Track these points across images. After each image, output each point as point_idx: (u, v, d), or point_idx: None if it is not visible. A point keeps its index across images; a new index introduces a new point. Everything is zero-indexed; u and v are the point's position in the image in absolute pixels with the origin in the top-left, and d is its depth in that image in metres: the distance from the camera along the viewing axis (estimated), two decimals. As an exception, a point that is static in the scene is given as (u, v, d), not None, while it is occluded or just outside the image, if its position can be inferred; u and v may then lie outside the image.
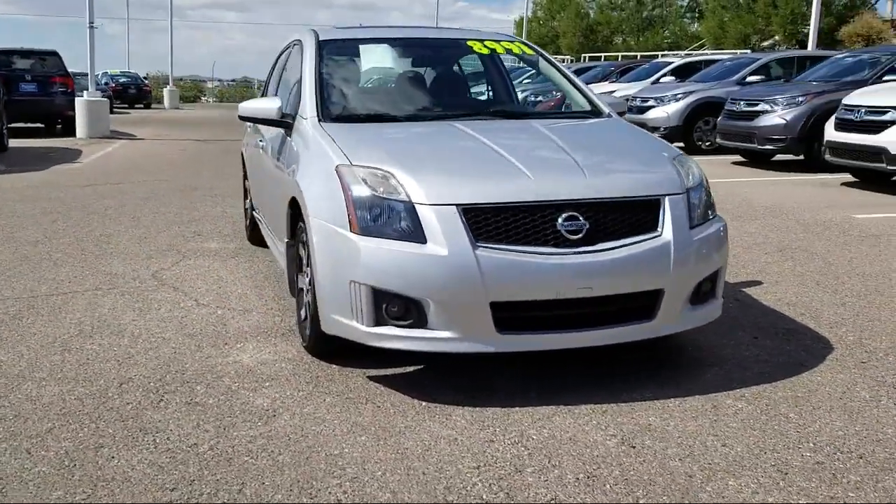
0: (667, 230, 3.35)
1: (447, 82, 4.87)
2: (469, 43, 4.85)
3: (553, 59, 4.99)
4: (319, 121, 3.98)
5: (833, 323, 4.33)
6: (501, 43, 4.91)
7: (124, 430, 2.98)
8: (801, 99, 11.51)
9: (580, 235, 3.20)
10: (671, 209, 3.38)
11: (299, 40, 4.95)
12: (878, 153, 9.06)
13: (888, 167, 9.04)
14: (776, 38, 29.32)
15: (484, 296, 3.09)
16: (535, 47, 4.99)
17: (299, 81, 4.41)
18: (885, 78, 11.48)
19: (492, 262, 3.09)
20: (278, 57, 5.93)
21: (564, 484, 2.60)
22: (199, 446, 2.85)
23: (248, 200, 6.32)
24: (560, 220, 3.20)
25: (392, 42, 4.72)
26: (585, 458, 2.77)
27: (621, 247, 3.25)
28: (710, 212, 3.63)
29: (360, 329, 3.24)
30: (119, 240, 6.42)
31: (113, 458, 2.76)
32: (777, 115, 11.58)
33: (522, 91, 12.07)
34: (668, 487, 2.58)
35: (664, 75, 17.49)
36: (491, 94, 5.43)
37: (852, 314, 4.50)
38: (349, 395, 3.32)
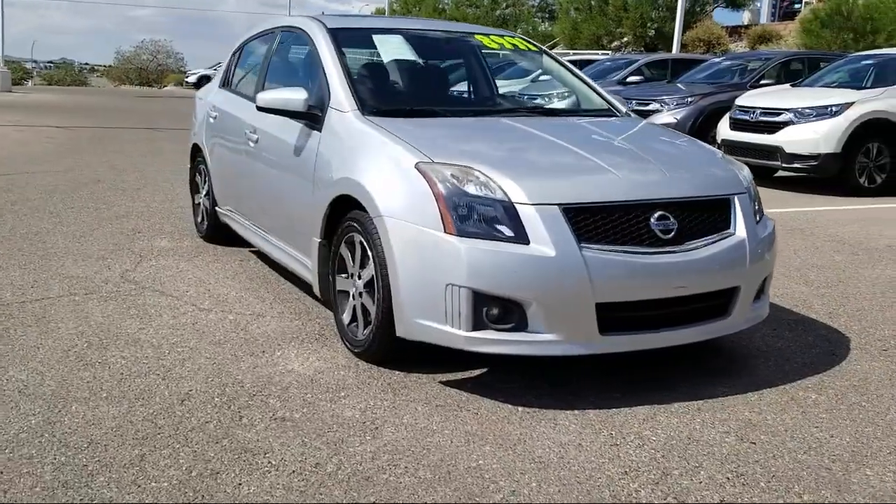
0: (739, 228, 3.44)
1: (472, 76, 4.75)
2: (478, 37, 4.75)
3: (557, 56, 4.98)
4: (363, 114, 3.77)
5: (829, 314, 4.61)
6: (506, 38, 4.85)
7: (227, 452, 2.70)
8: (690, 99, 12.16)
9: (671, 235, 3.23)
10: (741, 207, 3.48)
11: (297, 27, 4.67)
12: (774, 151, 9.75)
13: (783, 164, 9.76)
14: (626, 39, 30.82)
15: (591, 297, 3.05)
16: (538, 44, 4.96)
17: (318, 72, 4.15)
18: (762, 82, 12.40)
19: (598, 262, 3.05)
20: (246, 42, 5.57)
21: (720, 484, 2.61)
22: (324, 466, 2.64)
23: (202, 196, 5.89)
24: (653, 219, 3.21)
25: (405, 33, 4.53)
26: (719, 457, 2.79)
27: (705, 245, 3.31)
28: (761, 209, 3.76)
29: (456, 334, 3.10)
30: (53, 238, 5.81)
31: (240, 484, 2.50)
32: (668, 114, 12.15)
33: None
34: (818, 482, 2.65)
35: (541, 74, 17.94)
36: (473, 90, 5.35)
37: (838, 304, 4.80)
38: (437, 403, 3.18)
